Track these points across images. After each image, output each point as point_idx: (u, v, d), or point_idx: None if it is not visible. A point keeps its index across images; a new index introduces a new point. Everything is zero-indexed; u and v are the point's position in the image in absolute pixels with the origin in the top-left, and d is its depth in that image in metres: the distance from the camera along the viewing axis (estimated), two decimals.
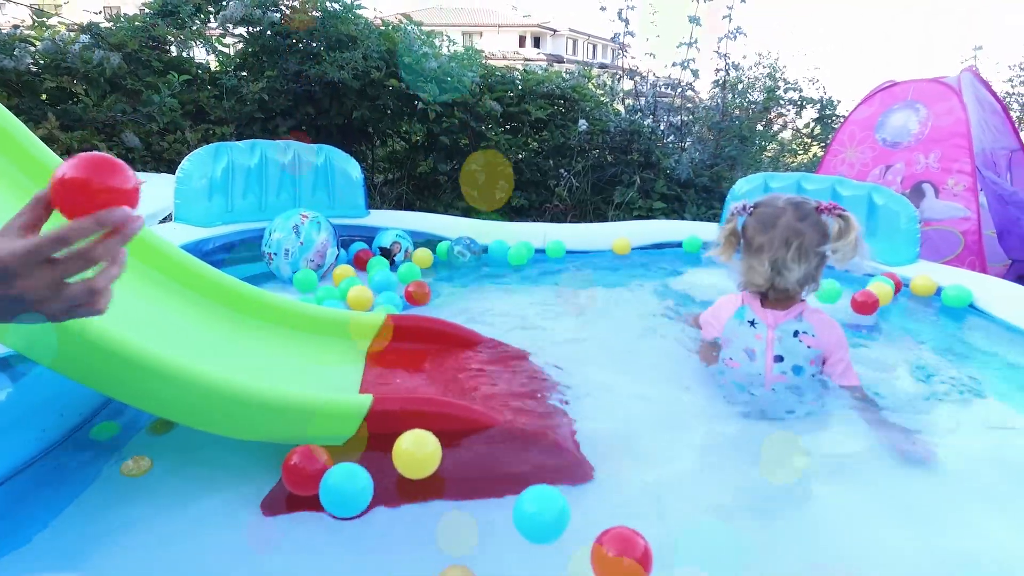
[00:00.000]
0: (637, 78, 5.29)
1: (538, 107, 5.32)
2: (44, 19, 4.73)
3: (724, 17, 4.81)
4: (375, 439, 1.51)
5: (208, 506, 1.36)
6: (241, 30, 5.05)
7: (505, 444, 1.61)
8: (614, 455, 1.59)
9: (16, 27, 4.79)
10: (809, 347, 1.87)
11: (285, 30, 4.80)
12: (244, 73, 5.15)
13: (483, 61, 5.78)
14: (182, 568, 1.20)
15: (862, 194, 3.30)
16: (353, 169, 3.36)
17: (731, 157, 5.11)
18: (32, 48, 4.51)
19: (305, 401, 1.54)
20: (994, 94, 4.39)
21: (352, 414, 1.56)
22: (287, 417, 1.49)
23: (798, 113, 6.02)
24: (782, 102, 5.97)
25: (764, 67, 6.37)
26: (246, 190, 3.01)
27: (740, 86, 5.58)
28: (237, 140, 3.70)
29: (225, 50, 5.39)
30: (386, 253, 2.90)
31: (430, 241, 3.30)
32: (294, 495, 1.39)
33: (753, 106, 5.52)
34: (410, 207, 5.07)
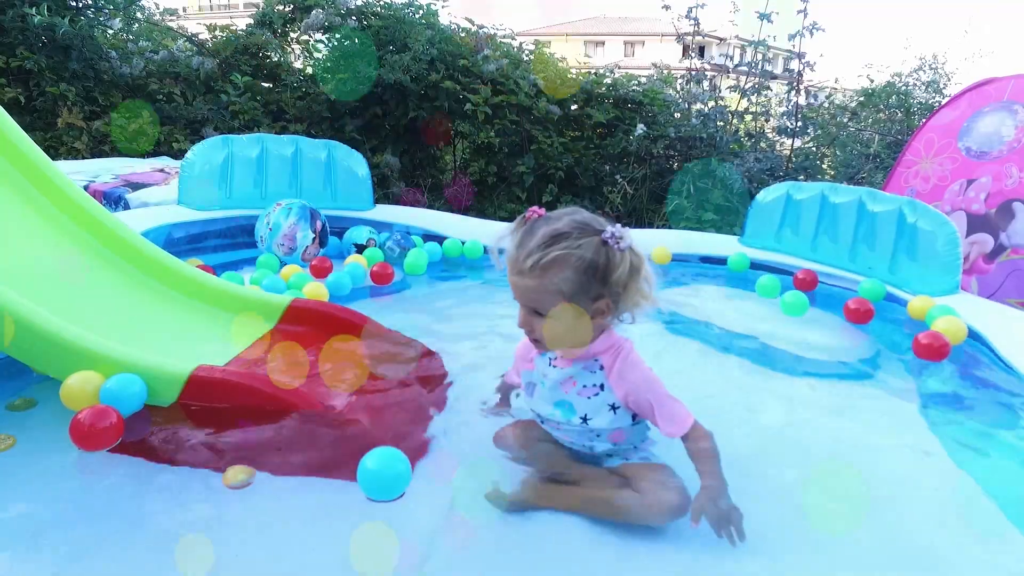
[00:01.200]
0: (705, 83, 4.96)
1: (603, 111, 5.19)
2: (162, 30, 5.46)
3: (799, 12, 4.38)
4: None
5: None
6: (323, 36, 5.46)
7: (321, 428, 1.64)
8: None
9: (147, 40, 5.57)
10: None
11: (357, 35, 5.13)
12: (326, 75, 5.55)
13: (557, 65, 5.76)
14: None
15: (892, 209, 2.86)
16: (359, 165, 3.51)
17: (804, 168, 4.62)
18: (155, 56, 5.22)
19: (129, 361, 1.68)
20: None
21: (172, 380, 1.68)
22: (113, 371, 1.64)
23: (906, 120, 5.28)
24: (881, 107, 5.29)
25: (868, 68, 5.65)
26: (249, 181, 3.26)
27: (815, 88, 5.02)
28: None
29: (318, 55, 5.86)
30: (361, 249, 3.01)
31: (428, 237, 3.34)
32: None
33: (839, 111, 4.94)
34: (464, 208, 5.17)
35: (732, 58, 5.02)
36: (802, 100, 4.76)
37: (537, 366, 1.45)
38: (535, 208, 1.30)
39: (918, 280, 2.74)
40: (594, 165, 5.25)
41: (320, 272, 2.61)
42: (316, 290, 2.39)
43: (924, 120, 3.85)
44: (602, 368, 1.35)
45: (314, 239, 2.94)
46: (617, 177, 5.05)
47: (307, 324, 2.23)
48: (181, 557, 1.20)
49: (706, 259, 3.42)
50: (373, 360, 2.07)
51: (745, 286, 3.08)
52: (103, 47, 4.76)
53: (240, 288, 2.30)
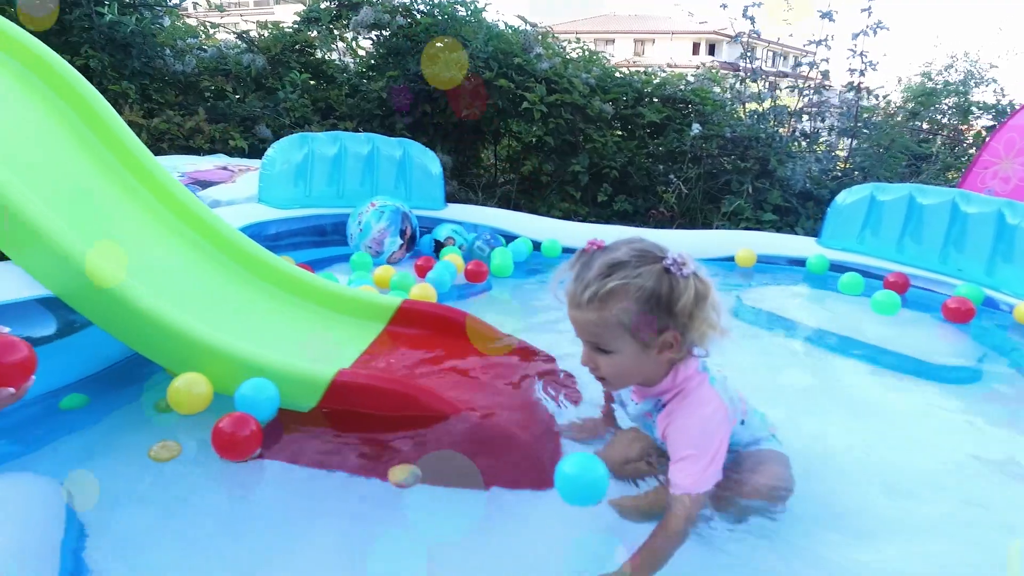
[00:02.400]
0: (760, 80, 4.92)
1: (654, 110, 5.15)
2: (214, 31, 5.44)
3: (863, 10, 4.32)
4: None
5: None
6: (372, 34, 5.43)
7: (468, 436, 1.61)
8: None
9: (193, 37, 5.56)
10: None
11: (410, 33, 5.10)
12: (373, 74, 5.53)
13: (605, 64, 5.72)
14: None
15: (990, 211, 2.82)
16: (432, 163, 3.48)
17: (862, 168, 4.58)
18: (203, 54, 5.21)
19: (272, 365, 1.65)
20: None
21: (315, 384, 1.65)
22: (267, 377, 1.62)
23: (963, 120, 5.23)
24: (945, 108, 5.24)
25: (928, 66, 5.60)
26: (327, 178, 3.24)
27: (882, 90, 4.97)
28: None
29: (361, 52, 5.84)
30: (440, 245, 2.98)
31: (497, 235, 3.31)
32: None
33: (900, 111, 4.89)
34: (515, 206, 5.14)
35: (784, 57, 4.97)
36: (864, 101, 4.70)
37: (616, 396, 1.47)
38: (595, 240, 1.25)
39: (1020, 283, 2.70)
40: (647, 164, 5.21)
41: (421, 272, 2.59)
42: (424, 291, 2.37)
43: (1004, 120, 3.81)
44: (663, 406, 1.28)
45: (401, 245, 2.92)
46: (671, 177, 5.01)
47: (418, 325, 2.20)
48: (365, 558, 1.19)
49: (770, 260, 3.37)
50: (489, 361, 2.05)
51: (824, 286, 3.06)
52: (159, 45, 4.74)
53: (348, 289, 2.28)
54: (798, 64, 5.05)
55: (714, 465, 1.20)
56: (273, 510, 1.36)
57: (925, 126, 5.03)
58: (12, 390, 1.18)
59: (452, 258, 2.73)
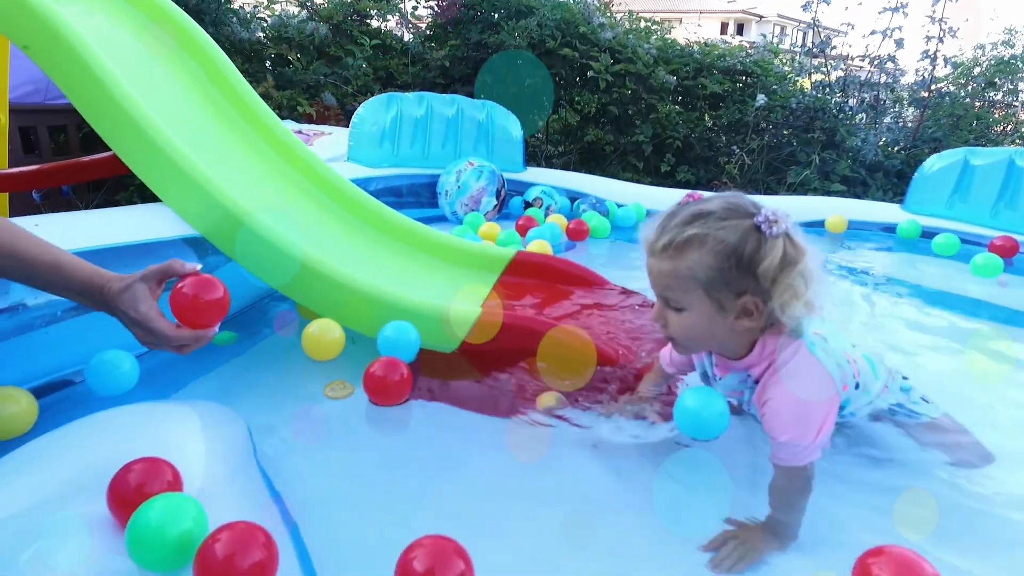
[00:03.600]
0: (828, 50, 4.83)
1: (715, 81, 5.10)
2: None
3: None
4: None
5: None
6: (432, 2, 5.42)
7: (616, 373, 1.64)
8: None
9: (256, 7, 5.58)
10: None
11: (471, 2, 5.08)
12: (432, 44, 5.52)
13: (664, 35, 5.67)
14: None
15: None
16: (514, 127, 3.49)
17: (935, 139, 4.50)
18: (264, 23, 5.23)
19: (419, 306, 1.69)
20: None
21: (462, 323, 1.69)
22: (413, 318, 1.65)
23: None
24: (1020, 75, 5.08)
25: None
26: (412, 139, 3.26)
27: (958, 57, 4.84)
28: None
29: (417, 22, 5.84)
30: (528, 205, 3.01)
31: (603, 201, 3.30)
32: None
33: (974, 80, 4.77)
34: None
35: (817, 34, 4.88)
36: (939, 71, 4.61)
37: (699, 367, 1.32)
38: (693, 192, 1.14)
39: None
40: (709, 136, 5.17)
41: (522, 231, 2.61)
42: (540, 245, 2.39)
43: None
44: (756, 382, 1.14)
45: (495, 206, 2.94)
46: (734, 148, 4.97)
47: (531, 275, 2.23)
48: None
49: (859, 226, 3.33)
50: (610, 311, 2.07)
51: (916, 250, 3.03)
52: (229, 12, 4.77)
53: (462, 240, 2.30)
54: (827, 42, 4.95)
55: (818, 441, 1.06)
56: (430, 445, 1.39)
57: (999, 97, 4.91)
58: (215, 329, 1.15)
59: (556, 218, 2.75)
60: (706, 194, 1.10)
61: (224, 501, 0.95)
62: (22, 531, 0.81)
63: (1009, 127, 4.77)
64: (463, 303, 1.76)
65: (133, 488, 0.87)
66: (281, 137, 2.28)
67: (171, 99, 2.03)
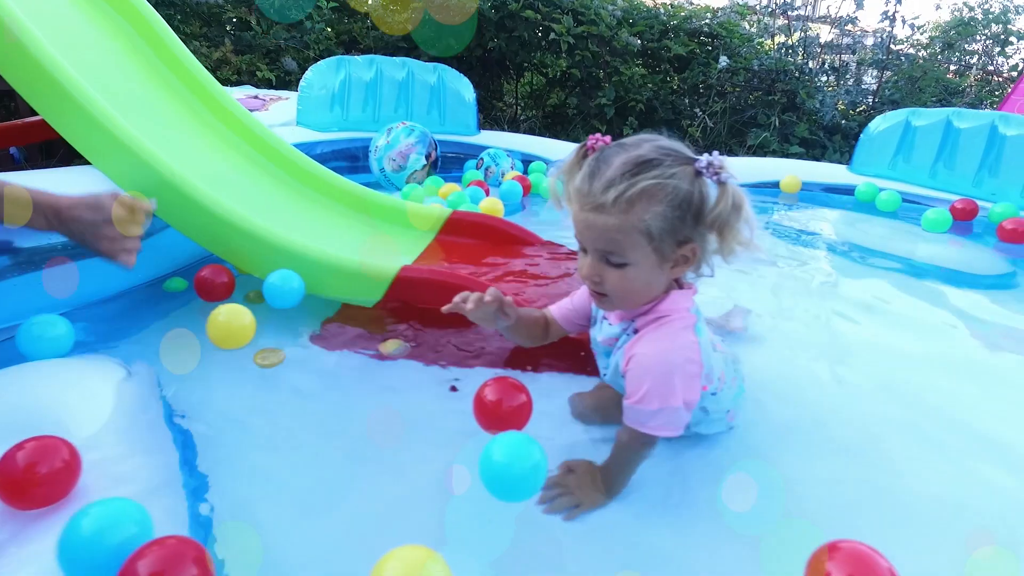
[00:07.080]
0: (789, 12, 4.83)
1: (680, 43, 5.09)
2: None
3: None
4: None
5: None
6: None
7: None
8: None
9: None
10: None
11: None
12: (394, 7, 5.46)
13: None
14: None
15: None
16: (466, 90, 3.49)
17: (893, 101, 4.54)
18: None
19: (342, 262, 1.73)
20: None
21: (382, 278, 1.73)
22: (331, 273, 1.69)
23: (1001, 51, 5.12)
24: (979, 38, 5.11)
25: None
26: (364, 103, 3.26)
27: (917, 20, 4.86)
28: None
29: None
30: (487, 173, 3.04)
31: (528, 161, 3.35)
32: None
33: (932, 40, 4.79)
34: None
35: None
36: (900, 32, 4.63)
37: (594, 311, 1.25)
38: (598, 135, 1.02)
39: None
40: (672, 99, 5.18)
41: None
42: (492, 205, 2.43)
43: None
44: (636, 331, 1.07)
45: (424, 167, 2.95)
46: (696, 110, 4.99)
47: (468, 235, 2.27)
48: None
49: (808, 187, 3.39)
50: (532, 261, 2.13)
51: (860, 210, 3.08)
52: None
53: (399, 200, 2.34)
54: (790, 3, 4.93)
55: (667, 411, 1.01)
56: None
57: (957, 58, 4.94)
58: (152, 205, 1.32)
59: (519, 178, 2.79)
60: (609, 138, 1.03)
61: (123, 464, 0.97)
62: None
63: (967, 87, 4.81)
64: (381, 258, 1.80)
65: (23, 469, 0.86)
66: (216, 97, 2.28)
67: (92, 55, 2.02)
